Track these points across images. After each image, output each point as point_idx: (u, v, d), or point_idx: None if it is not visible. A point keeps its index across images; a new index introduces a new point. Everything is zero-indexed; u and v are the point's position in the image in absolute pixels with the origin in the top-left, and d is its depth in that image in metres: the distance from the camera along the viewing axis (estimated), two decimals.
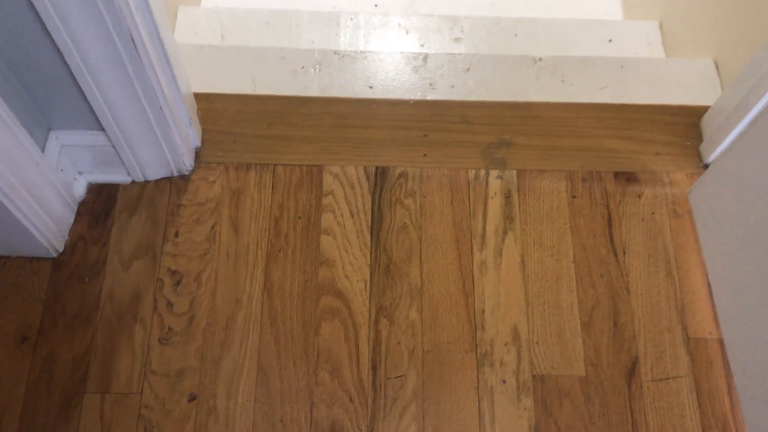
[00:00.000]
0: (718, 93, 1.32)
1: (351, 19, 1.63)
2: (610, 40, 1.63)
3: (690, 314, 1.05)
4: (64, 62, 0.88)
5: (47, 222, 0.99)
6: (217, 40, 1.56)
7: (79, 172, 1.09)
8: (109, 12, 0.78)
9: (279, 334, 1.02)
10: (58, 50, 0.86)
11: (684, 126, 1.22)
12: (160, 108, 0.95)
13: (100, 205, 1.09)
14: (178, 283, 1.05)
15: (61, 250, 1.06)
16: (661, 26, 1.64)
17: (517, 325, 1.03)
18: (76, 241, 1.07)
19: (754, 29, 1.26)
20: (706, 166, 1.18)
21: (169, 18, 1.56)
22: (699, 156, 1.19)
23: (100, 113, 0.93)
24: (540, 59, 1.41)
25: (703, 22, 1.45)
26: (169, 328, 1.02)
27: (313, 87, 1.33)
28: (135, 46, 0.84)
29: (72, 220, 1.08)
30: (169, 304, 1.03)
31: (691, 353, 1.02)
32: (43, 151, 0.99)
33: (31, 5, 0.79)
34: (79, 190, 1.09)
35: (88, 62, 0.85)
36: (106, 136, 1.00)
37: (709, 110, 1.20)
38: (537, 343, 1.03)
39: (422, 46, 1.61)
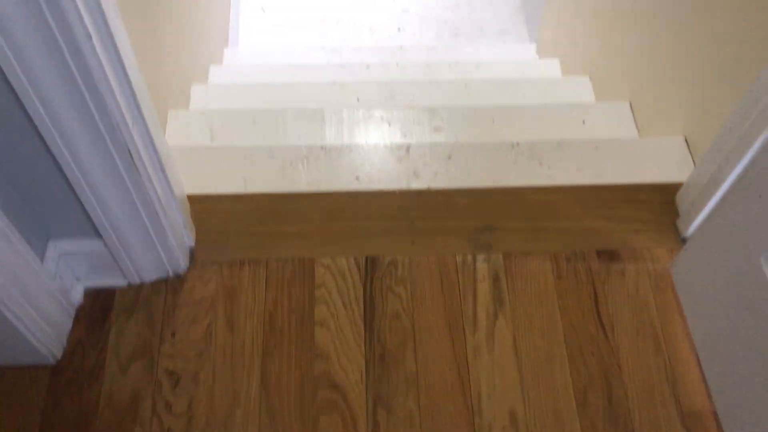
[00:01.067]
0: (690, 168, 1.37)
1: (335, 114, 1.70)
2: (583, 122, 1.71)
3: (682, 386, 1.07)
4: (63, 175, 0.92)
5: (46, 330, 1.01)
6: (206, 141, 1.62)
7: (77, 279, 1.11)
8: (106, 127, 0.83)
9: (278, 430, 1.02)
10: (57, 164, 0.90)
11: (660, 203, 1.27)
12: (157, 214, 0.99)
13: (98, 309, 1.11)
14: (176, 383, 1.06)
15: (59, 356, 1.07)
16: (631, 106, 1.72)
17: (514, 408, 1.05)
18: (74, 346, 1.08)
19: (720, 106, 1.33)
20: (684, 241, 1.22)
21: (159, 121, 1.62)
22: (677, 231, 1.24)
23: (98, 222, 0.97)
24: (517, 144, 1.47)
25: (671, 101, 1.53)
26: (169, 429, 1.02)
27: (301, 181, 1.37)
28: (132, 159, 0.88)
29: (70, 326, 1.09)
30: (168, 405, 1.04)
31: (686, 427, 1.03)
32: (42, 260, 1.02)
33: (31, 122, 0.83)
34: (77, 295, 1.11)
35: (87, 175, 0.89)
36: (104, 243, 1.03)
37: (683, 187, 1.25)
38: (535, 425, 1.03)
39: (405, 136, 1.68)
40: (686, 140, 1.45)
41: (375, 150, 1.46)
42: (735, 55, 1.24)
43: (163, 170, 0.99)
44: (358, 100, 1.96)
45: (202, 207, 1.24)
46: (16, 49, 0.70)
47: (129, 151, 0.87)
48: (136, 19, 1.41)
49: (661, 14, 1.54)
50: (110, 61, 0.76)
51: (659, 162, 1.41)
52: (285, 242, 1.21)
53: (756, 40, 1.17)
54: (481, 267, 1.18)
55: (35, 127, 0.82)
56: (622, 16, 1.77)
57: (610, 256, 1.19)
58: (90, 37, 0.70)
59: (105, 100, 0.78)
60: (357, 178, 1.41)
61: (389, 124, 1.70)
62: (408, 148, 1.46)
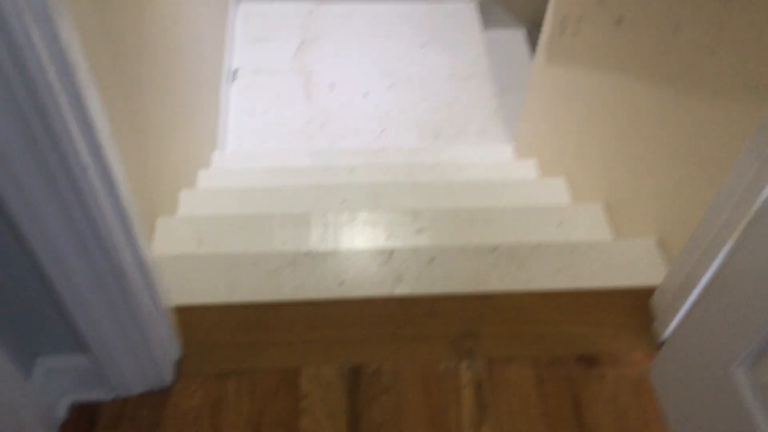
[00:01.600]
0: (663, 271, 1.42)
1: (320, 217, 1.75)
2: (560, 224, 1.77)
3: None
4: (52, 292, 0.94)
5: None
6: (194, 247, 1.65)
7: (62, 394, 1.11)
8: (98, 248, 0.86)
9: None
10: (47, 282, 0.92)
11: (636, 307, 1.31)
12: (144, 329, 1.01)
13: (82, 424, 1.11)
14: None
15: None
16: (605, 208, 1.79)
17: None
18: None
19: (692, 209, 1.39)
20: (661, 344, 1.25)
21: (148, 229, 1.66)
22: (654, 335, 1.27)
23: (86, 338, 0.98)
24: (497, 247, 1.51)
25: (643, 203, 1.59)
26: None
27: (287, 288, 1.40)
28: (122, 277, 0.91)
29: None
30: None
31: None
32: (29, 377, 1.03)
33: (21, 243, 0.86)
34: (62, 410, 1.11)
35: (77, 292, 0.92)
36: (91, 357, 1.05)
37: (657, 291, 1.29)
38: None
39: (388, 239, 1.72)
40: (659, 242, 1.50)
41: (359, 255, 1.50)
42: (705, 159, 1.31)
43: (151, 285, 1.01)
44: (342, 202, 2.02)
45: (189, 317, 1.26)
46: (7, 170, 0.74)
47: (119, 269, 0.90)
48: (126, 128, 1.47)
49: (633, 118, 1.63)
50: (104, 188, 0.80)
51: (634, 264, 1.46)
52: (270, 352, 1.23)
53: (722, 145, 1.24)
54: (465, 374, 1.19)
55: (25, 248, 0.86)
56: (593, 119, 1.86)
57: (589, 360, 1.21)
58: (85, 170, 0.75)
59: (98, 224, 0.82)
60: (341, 283, 1.44)
61: (373, 227, 1.75)
62: (391, 252, 1.50)
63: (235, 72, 3.14)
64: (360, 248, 1.66)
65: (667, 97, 1.45)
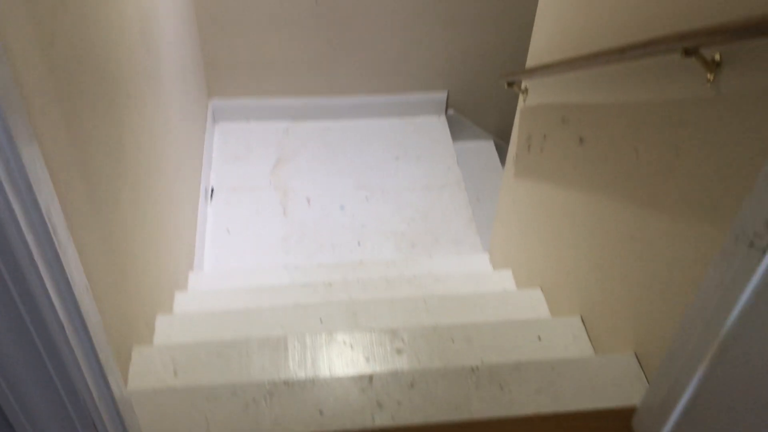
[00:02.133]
0: (644, 386, 1.42)
1: (298, 341, 1.74)
2: (539, 338, 1.77)
3: None
4: None
5: None
6: (170, 377, 1.63)
7: None
8: (71, 401, 0.85)
9: None
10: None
11: (618, 428, 1.30)
12: None
13: None
14: None
15: None
16: (583, 320, 1.80)
17: None
18: None
19: (666, 323, 1.40)
20: None
21: (123, 358, 1.64)
22: None
23: None
24: (477, 368, 1.51)
25: (620, 316, 1.61)
26: None
27: (265, 420, 1.37)
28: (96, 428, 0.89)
29: None
30: None
31: None
32: None
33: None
34: None
35: None
36: None
37: (637, 412, 1.29)
38: None
39: (367, 360, 1.71)
40: (637, 356, 1.51)
41: (338, 382, 1.49)
42: (674, 276, 1.34)
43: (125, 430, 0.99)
44: (321, 321, 2.01)
45: None
46: None
47: (93, 422, 0.88)
48: (102, 257, 1.48)
49: (603, 233, 1.68)
50: (82, 347, 0.80)
51: (615, 381, 1.46)
52: None
53: (688, 263, 1.28)
54: None
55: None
56: (565, 233, 1.91)
57: None
58: (63, 328, 0.75)
59: (73, 381, 0.81)
60: (321, 412, 1.41)
61: (352, 348, 1.74)
62: (371, 378, 1.48)
63: (212, 191, 3.19)
64: (339, 374, 1.64)
65: (632, 215, 1.50)
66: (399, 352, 1.73)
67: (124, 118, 1.71)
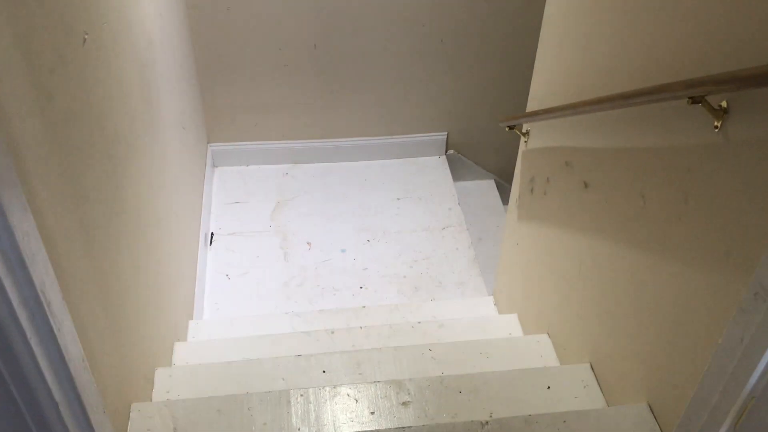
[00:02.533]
0: None
1: (301, 395, 1.69)
2: (548, 387, 1.73)
3: None
4: None
5: None
6: None
7: None
8: None
9: None
10: None
11: None
12: None
13: None
14: None
15: None
16: (593, 368, 1.76)
17: None
18: None
19: (680, 374, 1.35)
20: None
21: (121, 417, 1.59)
22: None
23: None
24: (487, 423, 1.46)
25: (630, 365, 1.57)
26: None
27: None
28: None
29: None
30: None
31: None
32: None
33: None
34: None
35: None
36: None
37: None
38: None
39: (372, 413, 1.66)
40: (651, 407, 1.46)
41: None
42: (687, 325, 1.31)
43: None
44: (324, 372, 1.96)
45: None
46: None
47: None
48: (100, 311, 1.44)
49: (611, 279, 1.64)
50: (77, 424, 0.76)
51: None
52: None
53: (702, 313, 1.24)
54: None
55: None
56: (572, 278, 1.88)
57: None
58: (57, 406, 0.71)
59: None
60: None
61: (356, 401, 1.69)
62: None
63: (212, 236, 3.17)
64: (344, 430, 1.60)
65: (641, 262, 1.47)
66: (405, 405, 1.69)
67: (124, 171, 1.69)
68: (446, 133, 3.57)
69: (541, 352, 2.01)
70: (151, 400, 1.85)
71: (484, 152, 3.67)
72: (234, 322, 2.57)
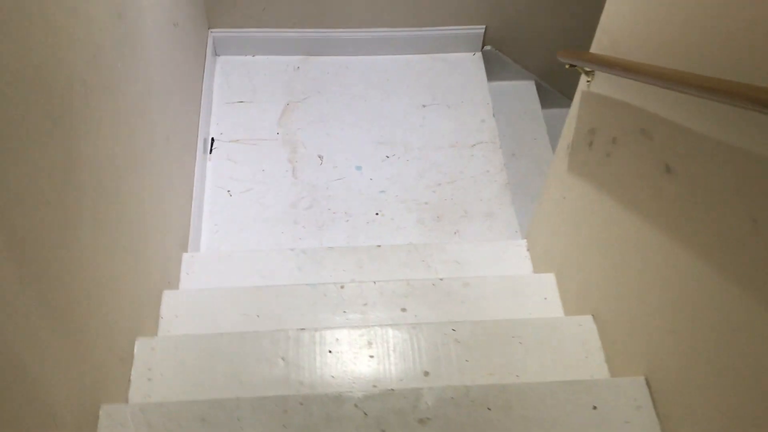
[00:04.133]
0: None
1: (300, 403, 1.44)
2: (594, 408, 1.45)
3: None
4: None
5: None
6: None
7: None
8: None
9: None
10: None
11: None
12: None
13: None
14: None
15: None
16: (648, 383, 1.47)
17: None
18: None
19: (759, 410, 1.09)
20: None
21: (91, 417, 1.36)
22: None
23: None
24: None
25: (694, 386, 1.29)
26: None
27: None
28: None
29: None
30: None
31: None
32: None
33: None
34: None
35: None
36: None
37: None
38: None
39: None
40: None
41: None
42: None
43: None
44: (330, 352, 1.70)
45: None
46: None
47: None
48: (47, 320, 1.16)
49: (694, 295, 1.32)
50: None
51: None
52: None
53: None
54: None
55: None
56: (635, 270, 1.54)
57: None
58: None
59: None
60: None
61: (365, 415, 1.44)
62: None
63: (212, 142, 2.80)
64: None
65: (734, 295, 1.13)
66: (422, 423, 1.43)
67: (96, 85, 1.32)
68: (484, 26, 3.06)
69: (584, 340, 1.72)
70: (129, 379, 1.61)
71: (526, 49, 3.18)
72: (233, 258, 2.28)
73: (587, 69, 1.71)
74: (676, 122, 1.31)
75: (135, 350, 1.65)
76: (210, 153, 2.76)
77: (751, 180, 1.08)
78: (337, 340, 1.71)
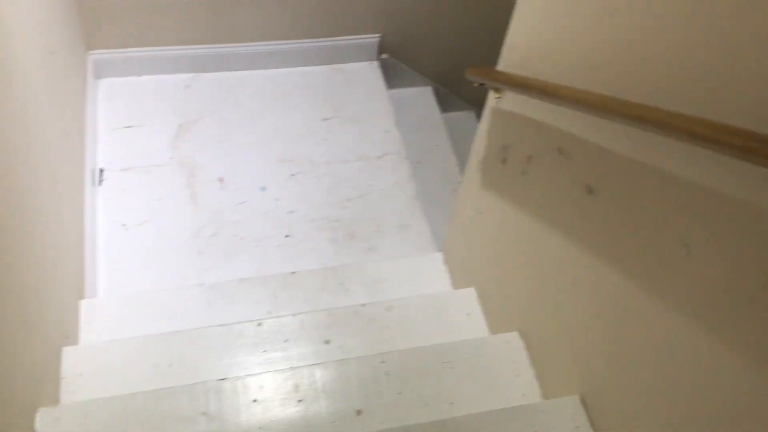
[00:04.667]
0: None
1: None
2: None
3: None
4: None
5: None
6: None
7: None
8: None
9: None
10: None
11: None
12: None
13: None
14: None
15: None
16: (584, 403, 1.47)
17: None
18: None
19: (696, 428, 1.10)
20: None
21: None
22: None
23: None
24: None
25: (631, 404, 1.30)
26: None
27: None
28: None
29: None
30: None
31: None
32: None
33: None
34: None
35: None
36: None
37: None
38: None
39: None
40: None
41: None
42: (702, 386, 1.00)
43: None
44: (254, 401, 1.59)
45: None
46: None
47: None
48: None
49: (623, 316, 1.31)
50: None
51: None
52: None
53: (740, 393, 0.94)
54: None
55: None
56: (562, 290, 1.54)
57: None
58: None
59: None
60: None
61: None
62: None
63: (101, 172, 2.60)
64: None
65: (668, 317, 1.13)
66: None
67: None
68: (380, 35, 3.01)
69: (513, 358, 1.70)
70: None
71: (422, 56, 3.16)
72: (136, 300, 2.11)
73: (495, 86, 1.69)
74: (596, 143, 1.30)
75: (36, 425, 1.48)
76: (100, 185, 2.56)
77: (682, 205, 1.07)
78: (261, 387, 1.61)
